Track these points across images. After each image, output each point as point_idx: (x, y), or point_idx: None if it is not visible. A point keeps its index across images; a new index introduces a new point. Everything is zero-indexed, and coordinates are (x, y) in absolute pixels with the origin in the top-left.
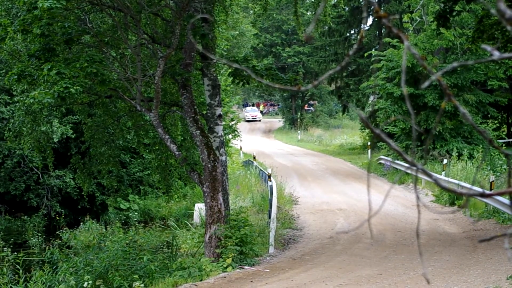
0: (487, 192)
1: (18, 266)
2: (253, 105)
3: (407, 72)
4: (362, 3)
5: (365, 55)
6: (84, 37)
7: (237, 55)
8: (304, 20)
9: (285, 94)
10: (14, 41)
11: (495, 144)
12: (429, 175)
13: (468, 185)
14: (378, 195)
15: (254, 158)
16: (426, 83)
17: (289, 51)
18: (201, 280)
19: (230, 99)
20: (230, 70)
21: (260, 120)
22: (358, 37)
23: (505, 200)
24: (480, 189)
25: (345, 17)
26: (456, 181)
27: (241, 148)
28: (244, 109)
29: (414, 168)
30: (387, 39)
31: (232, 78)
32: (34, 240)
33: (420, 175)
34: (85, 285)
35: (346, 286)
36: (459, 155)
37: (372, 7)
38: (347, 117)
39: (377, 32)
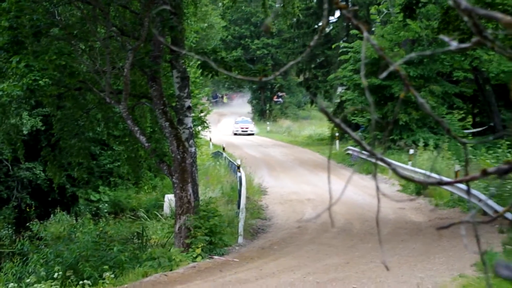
0: (445, 180)
1: None
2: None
3: (374, 64)
4: None
5: (333, 46)
6: (53, 29)
7: (206, 47)
8: (276, 12)
9: (254, 86)
10: None
11: (452, 134)
12: (388, 164)
13: (435, 175)
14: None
15: (224, 149)
16: (384, 73)
17: (258, 43)
18: (171, 270)
19: (200, 91)
20: (199, 62)
21: (253, 134)
22: (319, 29)
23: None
24: (438, 177)
25: (313, 9)
26: (423, 171)
27: (210, 139)
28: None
29: (374, 157)
30: (354, 31)
31: (201, 70)
32: (4, 232)
33: (386, 166)
34: (55, 276)
35: (314, 274)
36: (425, 145)
37: None
38: (316, 108)
39: (345, 24)
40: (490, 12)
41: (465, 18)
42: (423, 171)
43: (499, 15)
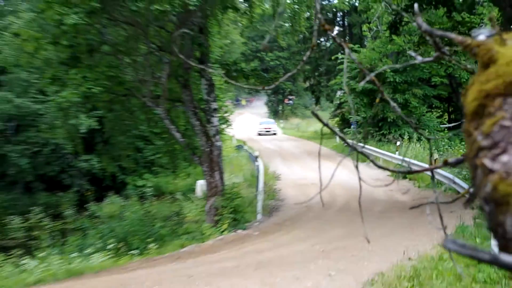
0: (414, 169)
1: (56, 233)
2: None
3: (362, 71)
4: (329, 15)
5: (333, 58)
6: (103, 47)
7: (229, 59)
8: (283, 31)
9: (269, 91)
10: (46, 51)
11: (418, 130)
12: (367, 157)
13: (417, 162)
14: (343, 171)
15: (245, 143)
16: (362, 83)
17: (272, 55)
18: (202, 242)
19: (224, 95)
20: (223, 72)
21: (275, 134)
22: (311, 46)
23: (446, 173)
24: (407, 167)
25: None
26: (407, 159)
27: (234, 135)
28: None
29: (355, 150)
30: (350, 45)
31: (225, 77)
32: (68, 212)
33: (377, 154)
34: (109, 247)
35: (320, 244)
36: (410, 138)
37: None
38: (319, 108)
39: (342, 39)
40: (445, 33)
41: (427, 38)
42: (407, 159)
43: (452, 35)
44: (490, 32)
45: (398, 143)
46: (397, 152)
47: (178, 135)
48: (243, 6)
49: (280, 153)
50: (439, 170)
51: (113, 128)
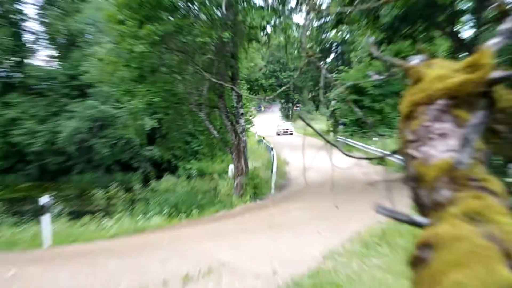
0: (370, 157)
1: (127, 202)
2: (287, 117)
3: (354, 86)
4: (327, 45)
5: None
6: (161, 68)
7: (253, 77)
8: (293, 56)
9: (282, 100)
10: (121, 71)
11: (374, 130)
12: (340, 150)
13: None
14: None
15: (263, 138)
16: (333, 95)
17: (285, 75)
18: (231, 209)
19: (249, 103)
20: (247, 86)
21: (292, 134)
22: (300, 67)
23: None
24: (366, 156)
25: (318, 53)
26: (379, 150)
27: (256, 132)
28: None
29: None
30: (342, 67)
31: (248, 91)
32: (136, 187)
33: (358, 146)
34: (164, 212)
35: (314, 211)
36: (383, 135)
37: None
38: (319, 113)
39: (336, 63)
40: (390, 58)
41: (380, 62)
42: (375, 149)
43: (394, 59)
44: (421, 58)
45: (374, 139)
46: (372, 145)
47: (215, 132)
48: (263, 38)
49: (289, 145)
50: (398, 156)
51: (169, 127)
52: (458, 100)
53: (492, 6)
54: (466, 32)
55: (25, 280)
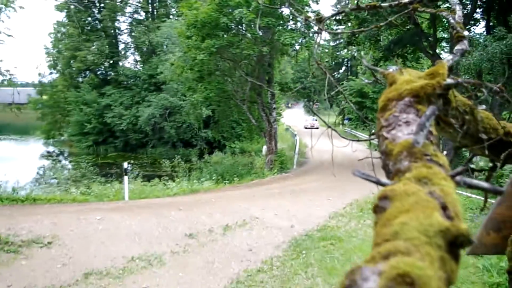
0: (359, 139)
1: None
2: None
3: (358, 90)
4: (340, 60)
5: (341, 83)
6: (216, 72)
7: (283, 81)
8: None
9: (305, 99)
10: (186, 73)
11: (365, 120)
12: (338, 133)
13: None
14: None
15: (290, 127)
16: (340, 96)
17: (308, 80)
18: (263, 178)
19: (280, 100)
20: (279, 88)
21: (317, 128)
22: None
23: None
24: (357, 139)
25: (332, 66)
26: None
27: (284, 122)
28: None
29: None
30: (351, 77)
31: (280, 91)
32: (193, 159)
33: (359, 136)
34: (213, 178)
35: (324, 183)
36: None
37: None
38: (332, 111)
39: (346, 74)
40: (375, 68)
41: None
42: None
43: (378, 68)
44: (396, 68)
45: (373, 131)
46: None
47: (253, 121)
48: (292, 53)
49: (309, 133)
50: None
51: (219, 115)
52: (419, 98)
53: (453, 32)
54: (445, 54)
55: (108, 223)
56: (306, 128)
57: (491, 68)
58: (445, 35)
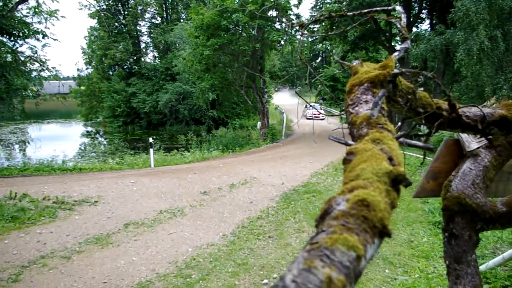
0: (333, 114)
1: (198, 142)
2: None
3: (331, 76)
4: (317, 52)
5: (318, 71)
6: (220, 64)
7: (272, 70)
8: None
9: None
10: (195, 65)
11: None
12: (315, 108)
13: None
14: (326, 121)
15: (278, 106)
16: (317, 81)
17: (291, 69)
18: (258, 147)
19: (270, 85)
20: (269, 75)
21: (324, 119)
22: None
23: None
24: (331, 114)
25: (310, 57)
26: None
27: (274, 103)
28: (306, 108)
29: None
30: (326, 66)
31: (269, 78)
32: (204, 133)
33: (334, 112)
34: (219, 148)
35: (306, 150)
36: None
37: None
38: (311, 92)
39: (322, 63)
40: (343, 61)
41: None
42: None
43: (345, 62)
44: (358, 61)
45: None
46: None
47: (249, 102)
48: (279, 47)
49: (294, 111)
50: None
51: (223, 98)
52: (374, 83)
53: (400, 34)
54: (398, 45)
55: (140, 185)
56: (308, 118)
57: (434, 57)
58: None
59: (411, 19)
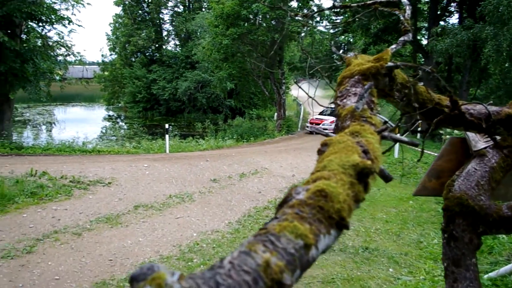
0: (331, 107)
1: (213, 131)
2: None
3: None
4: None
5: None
6: (238, 54)
7: (291, 61)
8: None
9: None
10: (214, 54)
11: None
12: (316, 101)
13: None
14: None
15: (296, 98)
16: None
17: (311, 61)
18: (273, 138)
19: (289, 77)
20: (288, 67)
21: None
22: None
23: None
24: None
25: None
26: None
27: (292, 94)
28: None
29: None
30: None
31: (288, 69)
32: (220, 122)
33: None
34: (234, 137)
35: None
36: None
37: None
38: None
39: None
40: (340, 53)
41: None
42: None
43: (342, 54)
44: (353, 53)
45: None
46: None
47: (267, 93)
48: (299, 39)
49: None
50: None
51: (240, 88)
52: (366, 76)
53: (402, 27)
54: (424, 40)
55: (153, 169)
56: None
57: (460, 53)
58: (424, 24)
59: (439, 12)
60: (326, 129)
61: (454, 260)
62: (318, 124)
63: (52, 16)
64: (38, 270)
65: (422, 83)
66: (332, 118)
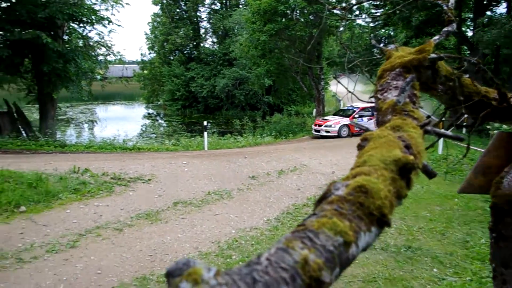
0: (371, 101)
1: (251, 127)
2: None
3: None
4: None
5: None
6: (275, 50)
7: (330, 56)
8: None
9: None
10: (252, 51)
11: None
12: (358, 98)
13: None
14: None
15: (335, 93)
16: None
17: (351, 56)
18: (312, 135)
19: (328, 72)
20: (326, 62)
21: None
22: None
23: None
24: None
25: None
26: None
27: (331, 90)
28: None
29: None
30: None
31: (327, 65)
32: (259, 119)
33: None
34: (272, 134)
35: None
36: None
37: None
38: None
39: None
40: (380, 46)
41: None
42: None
43: (382, 47)
44: (394, 46)
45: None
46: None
47: (305, 89)
48: (338, 33)
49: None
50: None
51: (278, 84)
52: (407, 69)
53: (445, 16)
54: (470, 31)
55: (192, 166)
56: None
57: (509, 44)
58: (470, 15)
59: (485, 2)
60: (328, 131)
61: (503, 261)
62: (321, 125)
63: (93, 17)
64: (80, 264)
65: (467, 76)
66: (337, 119)
